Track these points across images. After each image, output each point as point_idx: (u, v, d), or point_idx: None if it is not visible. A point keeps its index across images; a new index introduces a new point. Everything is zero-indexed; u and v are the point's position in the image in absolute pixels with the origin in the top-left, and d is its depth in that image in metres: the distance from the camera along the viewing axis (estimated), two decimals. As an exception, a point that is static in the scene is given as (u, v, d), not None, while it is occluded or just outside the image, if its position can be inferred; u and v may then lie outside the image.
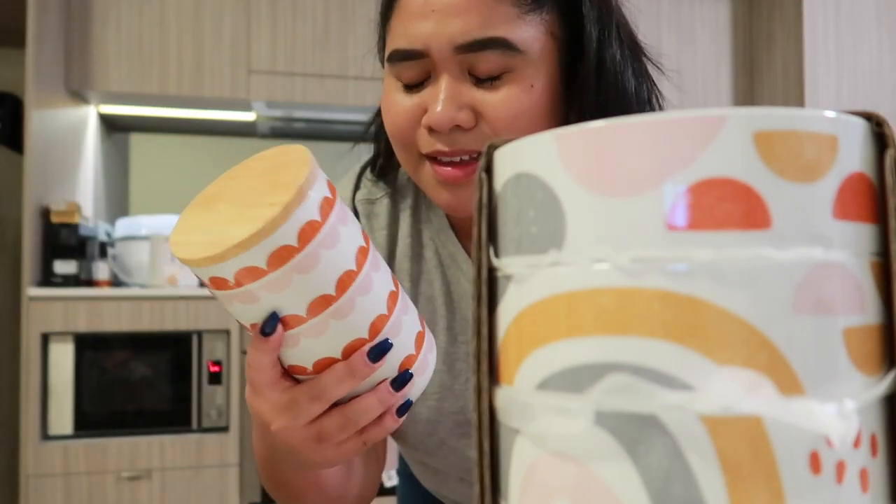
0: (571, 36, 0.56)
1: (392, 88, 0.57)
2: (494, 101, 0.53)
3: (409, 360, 0.47)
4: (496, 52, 0.52)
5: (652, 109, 0.61)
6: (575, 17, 0.56)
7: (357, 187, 0.68)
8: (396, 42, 0.54)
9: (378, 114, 0.68)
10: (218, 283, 0.42)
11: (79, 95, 2.34)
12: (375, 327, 0.44)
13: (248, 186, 0.46)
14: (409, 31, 0.53)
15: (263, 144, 2.96)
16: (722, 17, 2.81)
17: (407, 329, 0.47)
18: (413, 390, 0.47)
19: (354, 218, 0.46)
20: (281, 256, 0.40)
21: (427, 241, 0.66)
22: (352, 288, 0.43)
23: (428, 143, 0.55)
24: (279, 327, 0.42)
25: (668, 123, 0.21)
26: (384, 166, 0.67)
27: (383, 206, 0.67)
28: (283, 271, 0.40)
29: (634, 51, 0.60)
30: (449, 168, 0.55)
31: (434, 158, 0.55)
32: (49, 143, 2.12)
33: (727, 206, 0.21)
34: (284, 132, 2.85)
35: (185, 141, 2.91)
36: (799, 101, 2.58)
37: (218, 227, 0.44)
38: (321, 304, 0.42)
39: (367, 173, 0.69)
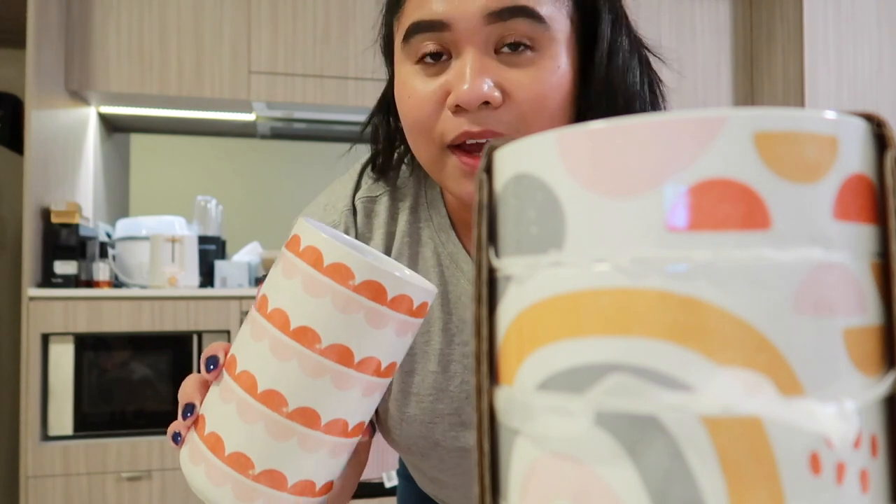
0: (584, 23, 0.56)
1: (409, 75, 0.55)
2: (522, 79, 0.52)
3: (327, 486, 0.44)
4: (525, 22, 0.51)
5: (655, 99, 0.60)
6: (585, 4, 0.56)
7: (358, 186, 0.67)
8: (415, 14, 0.53)
9: (374, 114, 0.67)
10: (307, 252, 0.39)
11: (79, 96, 2.34)
12: (333, 427, 0.42)
13: None
14: (430, 3, 0.51)
15: (263, 145, 2.97)
16: (722, 17, 2.81)
17: (341, 459, 0.44)
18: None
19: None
20: (372, 291, 0.38)
21: (426, 239, 0.65)
22: (367, 375, 0.41)
23: (455, 126, 0.53)
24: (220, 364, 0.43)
25: (668, 124, 0.21)
26: (384, 164, 0.66)
27: (383, 204, 0.66)
28: (356, 298, 0.38)
29: (638, 41, 0.60)
30: (477, 158, 0.53)
31: (459, 147, 0.54)
32: (49, 143, 2.12)
33: (727, 207, 0.21)
34: (284, 133, 2.85)
35: (185, 141, 2.91)
36: (799, 102, 2.58)
37: None
38: (338, 352, 0.39)
39: (368, 171, 0.68)
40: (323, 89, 2.40)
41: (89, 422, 2.01)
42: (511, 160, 0.25)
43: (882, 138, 0.23)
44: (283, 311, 0.39)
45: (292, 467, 0.40)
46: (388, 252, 0.65)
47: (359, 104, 2.41)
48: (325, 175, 2.53)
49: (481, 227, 0.26)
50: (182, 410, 0.44)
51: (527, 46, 0.52)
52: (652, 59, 0.61)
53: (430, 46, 0.53)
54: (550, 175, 0.23)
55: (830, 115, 0.22)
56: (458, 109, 0.52)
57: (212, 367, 0.42)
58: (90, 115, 2.51)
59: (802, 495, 0.20)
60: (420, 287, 0.39)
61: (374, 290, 0.38)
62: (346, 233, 0.65)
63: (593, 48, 0.56)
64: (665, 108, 0.61)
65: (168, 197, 2.84)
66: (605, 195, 0.22)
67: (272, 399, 0.39)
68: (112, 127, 2.75)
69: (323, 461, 0.41)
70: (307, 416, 0.39)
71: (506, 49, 0.52)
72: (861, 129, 0.23)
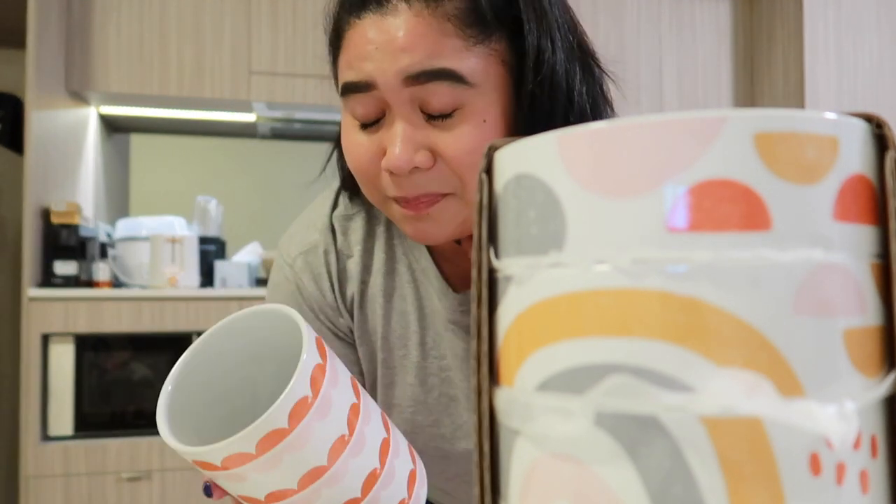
0: (523, 59, 0.54)
1: (349, 126, 0.56)
2: (449, 139, 0.52)
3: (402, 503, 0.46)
4: (446, 85, 0.50)
5: (598, 110, 0.59)
6: (520, 41, 0.54)
7: (335, 204, 0.68)
8: (345, 75, 0.54)
9: (338, 138, 0.67)
10: (204, 465, 0.41)
11: (79, 96, 2.34)
12: (369, 483, 0.43)
13: None
14: (356, 65, 0.52)
15: (264, 145, 2.97)
16: (722, 18, 2.81)
17: (399, 473, 0.46)
18: None
19: (343, 368, 0.45)
20: (271, 440, 0.39)
21: (400, 256, 0.66)
22: (345, 453, 0.41)
23: (391, 188, 0.54)
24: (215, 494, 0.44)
25: (669, 125, 0.21)
26: (353, 188, 0.66)
27: (359, 222, 0.67)
28: (273, 453, 0.39)
29: (584, 60, 0.58)
30: (412, 207, 0.54)
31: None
32: (49, 143, 2.12)
33: (727, 208, 0.21)
34: (285, 133, 2.85)
35: (185, 142, 2.91)
36: (799, 102, 2.58)
37: None
38: (313, 476, 0.41)
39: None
40: (323, 90, 2.40)
41: (89, 422, 2.01)
42: (511, 160, 0.25)
43: (882, 139, 0.23)
44: (248, 497, 0.44)
45: None
46: (366, 269, 0.66)
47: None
48: (326, 176, 2.52)
49: (481, 227, 0.26)
50: None
51: (450, 113, 0.52)
52: (599, 71, 0.60)
53: (363, 112, 0.54)
54: (551, 175, 0.23)
55: (830, 115, 0.22)
56: (391, 173, 0.53)
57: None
58: (90, 116, 2.51)
59: (802, 496, 0.20)
60: (214, 449, 0.41)
61: (207, 466, 0.41)
62: (327, 252, 0.66)
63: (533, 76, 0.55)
64: (613, 115, 0.61)
65: (168, 197, 2.84)
66: (606, 195, 0.22)
67: None
68: (112, 127, 2.75)
69: None
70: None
71: (431, 110, 0.52)
72: (861, 129, 0.23)
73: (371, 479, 0.43)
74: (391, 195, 0.55)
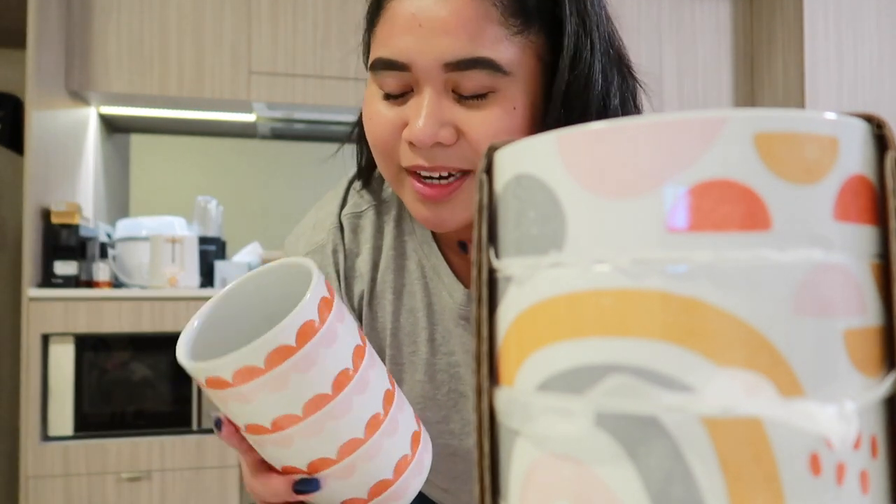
0: (558, 57, 0.55)
1: (374, 97, 0.56)
2: (476, 120, 0.52)
3: (405, 460, 0.46)
4: (483, 72, 0.51)
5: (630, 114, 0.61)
6: (557, 38, 0.55)
7: (344, 202, 0.68)
8: (380, 51, 0.54)
9: (361, 116, 0.68)
10: (215, 382, 0.42)
11: (79, 96, 2.34)
12: (371, 427, 0.44)
13: None
14: (394, 42, 0.52)
15: (264, 145, 2.97)
16: (722, 18, 2.81)
17: (403, 428, 0.47)
18: (408, 493, 0.48)
19: (351, 316, 0.46)
20: (279, 356, 0.40)
21: (410, 252, 0.66)
22: (348, 387, 0.43)
23: (408, 157, 0.54)
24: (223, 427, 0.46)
25: (669, 125, 0.21)
26: (369, 174, 0.67)
27: (368, 218, 0.67)
28: (280, 370, 0.41)
29: (620, 67, 0.59)
30: (428, 187, 0.54)
31: (414, 173, 0.55)
32: (49, 143, 2.12)
33: (727, 208, 0.21)
34: (285, 133, 2.85)
35: (185, 142, 2.91)
36: (799, 103, 2.58)
37: None
38: (317, 403, 0.42)
39: (354, 184, 0.69)
40: (323, 90, 2.40)
41: (89, 422, 2.01)
42: (511, 161, 0.25)
43: (882, 139, 0.23)
44: (253, 424, 0.45)
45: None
46: (375, 266, 0.66)
47: (359, 105, 2.39)
48: (326, 176, 2.53)
49: (481, 227, 0.26)
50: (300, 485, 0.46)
51: (482, 95, 0.53)
52: (632, 79, 0.61)
53: (392, 86, 0.54)
54: (551, 176, 0.23)
55: (831, 116, 0.22)
56: (412, 144, 0.53)
57: (310, 486, 0.46)
58: (90, 116, 2.51)
59: (802, 496, 0.20)
60: (233, 358, 0.42)
61: (219, 383, 0.42)
62: (335, 251, 0.66)
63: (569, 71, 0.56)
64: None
65: (168, 197, 2.84)
66: (606, 196, 0.22)
67: (321, 464, 0.45)
68: (112, 127, 2.75)
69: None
70: (351, 446, 0.45)
71: (463, 90, 0.53)
72: (861, 130, 0.23)
73: (374, 423, 0.44)
74: (407, 165, 0.55)
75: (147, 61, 2.29)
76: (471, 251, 0.64)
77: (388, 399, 0.46)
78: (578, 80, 0.54)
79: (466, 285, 0.63)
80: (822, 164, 0.21)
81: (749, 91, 2.82)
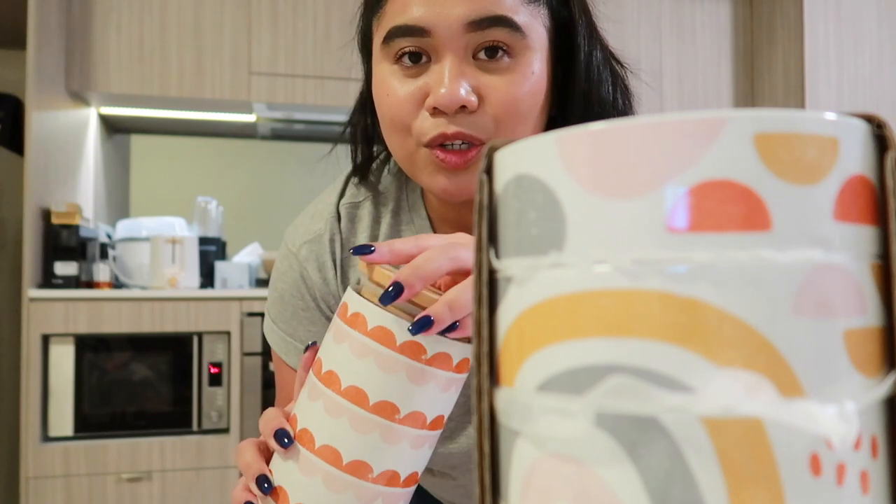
0: (559, 34, 0.59)
1: (387, 74, 0.57)
2: (498, 83, 0.54)
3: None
4: (503, 31, 0.53)
5: (627, 109, 0.63)
6: (561, 14, 0.58)
7: (342, 193, 0.69)
8: (397, 19, 0.54)
9: (354, 113, 0.69)
10: (408, 348, 0.41)
11: (79, 97, 2.34)
12: (392, 480, 0.44)
13: None
14: (411, 10, 0.53)
15: (264, 146, 2.97)
16: (722, 18, 2.81)
17: (422, 461, 0.46)
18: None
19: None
20: (444, 364, 0.41)
21: None
22: (432, 431, 0.44)
23: (431, 126, 0.55)
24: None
25: (669, 125, 0.21)
26: (363, 164, 0.68)
27: (366, 208, 0.68)
28: (437, 373, 0.41)
29: (609, 52, 0.63)
30: (451, 154, 0.55)
31: (435, 146, 0.56)
32: (50, 144, 2.12)
33: (727, 208, 0.21)
34: (285, 134, 2.85)
35: (185, 142, 2.91)
36: (799, 103, 2.58)
37: None
38: (415, 418, 0.42)
39: (352, 178, 0.70)
40: (323, 90, 2.40)
41: (90, 423, 2.01)
42: (511, 161, 0.25)
43: (882, 139, 0.23)
44: (334, 373, 0.42)
45: None
46: None
47: (359, 105, 2.40)
48: (326, 176, 2.52)
49: (481, 228, 0.26)
50: (257, 483, 0.45)
51: (504, 51, 0.54)
52: (620, 67, 0.65)
53: (410, 47, 0.55)
54: (551, 176, 0.23)
55: (831, 116, 0.22)
56: (436, 111, 0.54)
57: (286, 440, 0.44)
58: (90, 116, 2.51)
59: (803, 496, 0.20)
60: (457, 345, 0.42)
61: (414, 350, 0.40)
62: (332, 240, 0.67)
63: (567, 58, 0.59)
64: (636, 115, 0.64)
65: (168, 198, 2.84)
66: (606, 196, 0.22)
67: (329, 454, 0.42)
68: (112, 128, 2.75)
69: None
70: (360, 470, 0.42)
71: (483, 55, 0.54)
72: (861, 130, 0.23)
73: (394, 477, 0.44)
74: (429, 137, 0.55)
75: (147, 62, 2.29)
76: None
77: (410, 479, 0.45)
78: (582, 53, 0.58)
79: None
80: (822, 165, 0.21)
81: (749, 91, 2.82)
